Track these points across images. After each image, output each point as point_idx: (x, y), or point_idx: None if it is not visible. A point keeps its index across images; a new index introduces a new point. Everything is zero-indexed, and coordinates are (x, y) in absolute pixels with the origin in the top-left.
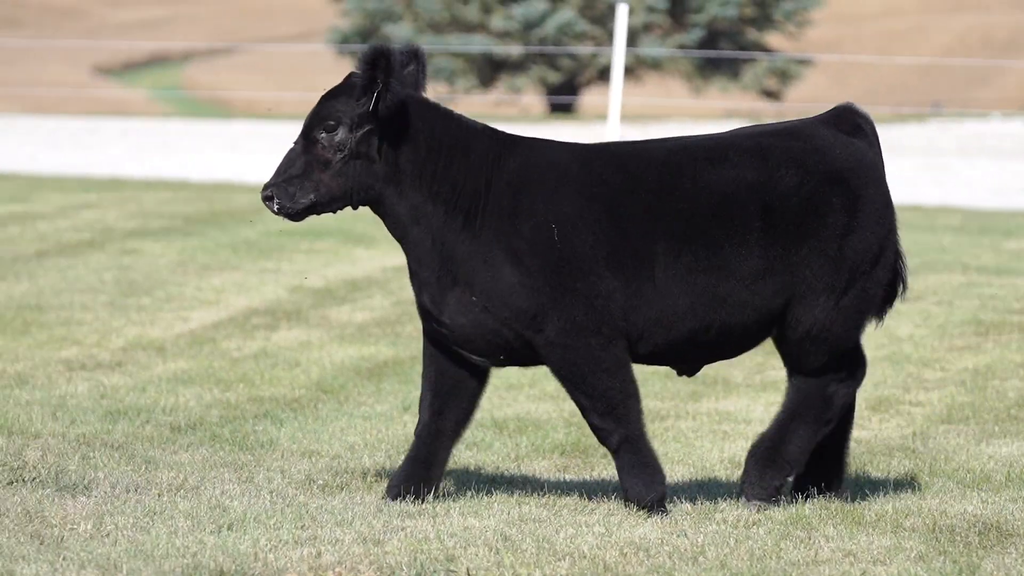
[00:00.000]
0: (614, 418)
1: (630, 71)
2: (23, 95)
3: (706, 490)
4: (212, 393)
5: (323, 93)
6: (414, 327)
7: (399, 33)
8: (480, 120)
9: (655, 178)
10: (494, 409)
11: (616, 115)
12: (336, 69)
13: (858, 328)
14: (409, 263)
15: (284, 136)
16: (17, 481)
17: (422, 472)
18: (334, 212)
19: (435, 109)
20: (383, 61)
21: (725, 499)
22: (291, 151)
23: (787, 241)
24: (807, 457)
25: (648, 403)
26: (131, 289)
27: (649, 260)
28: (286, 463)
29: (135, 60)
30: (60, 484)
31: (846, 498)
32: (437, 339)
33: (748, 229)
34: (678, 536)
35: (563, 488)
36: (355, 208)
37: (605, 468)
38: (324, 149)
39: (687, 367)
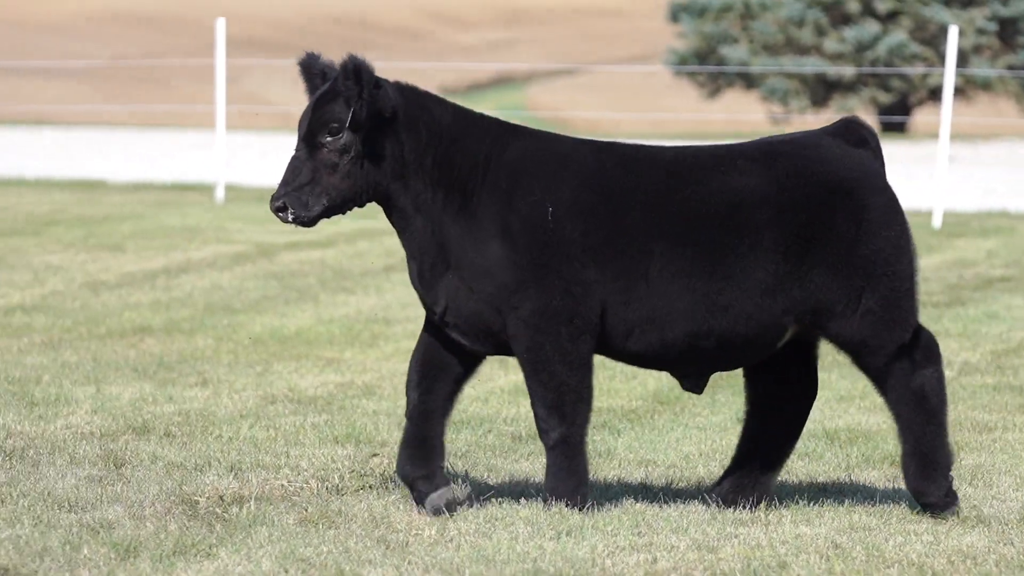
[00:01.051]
0: (560, 415)
1: (960, 91)
2: None
3: None
4: None
5: (315, 98)
6: None
7: (735, 55)
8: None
9: (659, 179)
10: (825, 420)
11: (946, 134)
12: (673, 90)
13: (900, 324)
14: (408, 253)
15: None
16: (364, 488)
17: (423, 452)
18: (344, 213)
19: (429, 96)
20: (364, 73)
21: None
22: (295, 158)
23: (797, 254)
24: (950, 447)
25: (976, 415)
26: None
27: (644, 258)
28: (623, 471)
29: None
30: (405, 491)
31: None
32: (436, 326)
33: (757, 240)
34: (1005, 545)
35: (893, 497)
36: (362, 206)
37: None
38: (330, 153)
39: (692, 381)
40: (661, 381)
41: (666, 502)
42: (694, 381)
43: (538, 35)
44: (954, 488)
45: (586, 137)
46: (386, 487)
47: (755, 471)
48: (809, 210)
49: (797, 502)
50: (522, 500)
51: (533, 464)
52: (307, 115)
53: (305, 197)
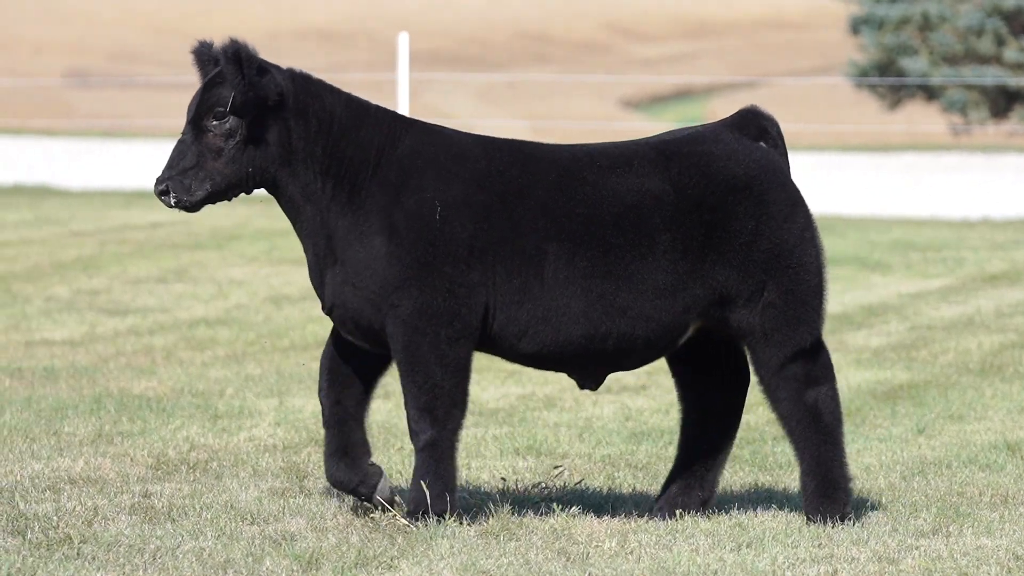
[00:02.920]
0: (432, 418)
1: None
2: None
3: None
4: None
5: (204, 81)
6: (928, 351)
7: (915, 67)
8: (993, 150)
9: (555, 179)
10: (1007, 432)
11: None
12: (853, 102)
13: (805, 322)
14: (303, 245)
15: (807, 165)
16: (546, 500)
17: (349, 460)
18: (229, 199)
19: (321, 85)
20: (244, 58)
21: None
22: (181, 142)
23: (694, 252)
24: (848, 468)
25: None
26: None
27: (538, 258)
28: None
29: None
30: (586, 503)
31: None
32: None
33: (654, 241)
34: None
35: None
36: (249, 192)
37: None
38: (215, 137)
39: (588, 379)
40: (841, 392)
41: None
42: (591, 381)
43: (719, 48)
44: (848, 512)
45: (484, 135)
46: (567, 499)
47: (698, 470)
48: (707, 208)
49: (977, 513)
50: (702, 511)
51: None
52: (195, 99)
53: (188, 181)
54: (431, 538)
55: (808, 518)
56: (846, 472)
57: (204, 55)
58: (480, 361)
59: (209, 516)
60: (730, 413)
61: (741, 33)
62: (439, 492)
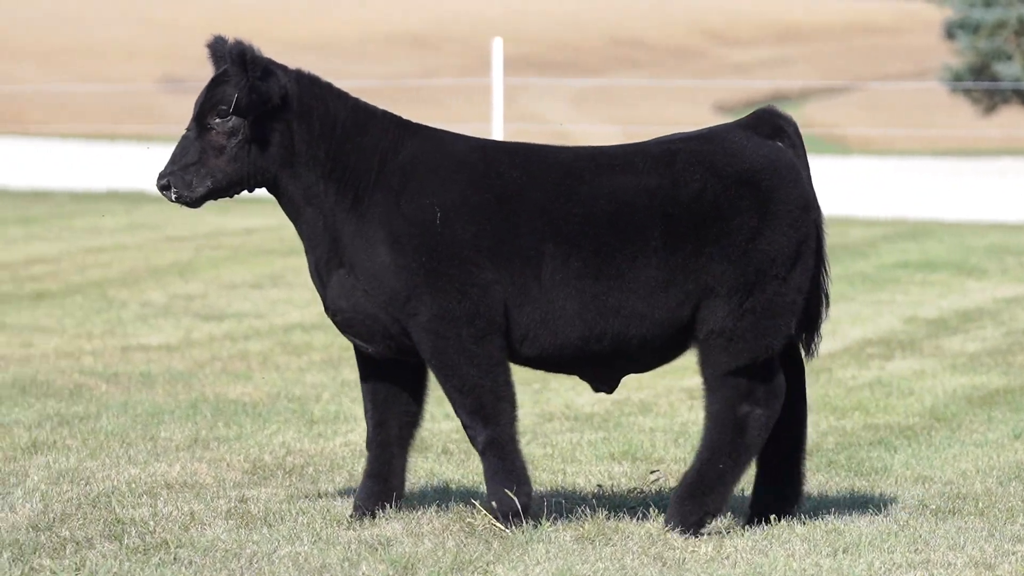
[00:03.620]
0: (482, 417)
1: None
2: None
3: None
4: (828, 420)
5: (211, 79)
6: None
7: (1009, 71)
8: None
9: (554, 180)
10: None
11: None
12: (948, 107)
13: (770, 336)
14: (304, 246)
15: (900, 169)
16: (641, 505)
17: (381, 486)
18: (231, 196)
19: (328, 88)
20: (248, 58)
21: None
22: (185, 137)
23: (689, 248)
24: (731, 489)
25: None
26: None
27: (536, 259)
28: (899, 488)
29: (754, 99)
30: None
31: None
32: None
33: (646, 238)
34: None
35: None
36: (251, 191)
37: None
38: (218, 135)
39: (599, 382)
40: (937, 397)
41: (943, 519)
42: (603, 384)
43: (812, 52)
44: (707, 521)
45: (490, 139)
46: (663, 504)
47: (780, 471)
48: (707, 202)
49: None
50: (798, 517)
51: (809, 481)
52: (201, 96)
53: (189, 177)
54: (527, 543)
55: (667, 518)
56: (726, 491)
57: (219, 50)
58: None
59: (305, 521)
60: (796, 409)
61: (834, 37)
62: (515, 488)
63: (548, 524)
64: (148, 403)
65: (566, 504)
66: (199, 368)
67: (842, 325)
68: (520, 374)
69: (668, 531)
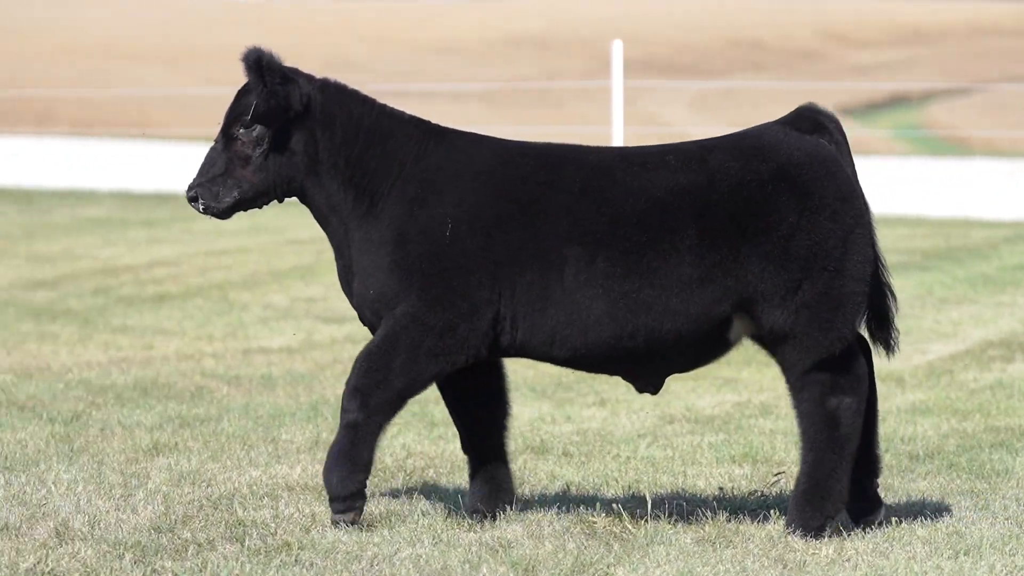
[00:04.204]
0: (362, 400)
1: None
2: None
3: None
4: (949, 423)
5: (238, 90)
6: None
7: None
8: None
9: (580, 180)
10: None
11: None
12: None
13: (836, 328)
14: (334, 252)
15: (1016, 171)
16: (762, 507)
17: (491, 486)
18: (260, 207)
19: (353, 96)
20: (265, 66)
21: None
22: (212, 149)
23: (726, 245)
24: (846, 485)
25: None
26: None
27: (559, 262)
28: (1021, 491)
29: (876, 100)
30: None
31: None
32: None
33: (678, 235)
34: None
35: None
36: (280, 201)
37: None
38: (243, 145)
39: (643, 383)
40: None
41: None
42: (646, 382)
43: (934, 54)
44: (829, 524)
45: (519, 140)
46: (784, 506)
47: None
48: (743, 198)
49: None
50: (919, 519)
51: (930, 483)
52: (229, 108)
53: (216, 188)
54: (648, 545)
55: (787, 522)
56: (842, 488)
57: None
58: (697, 370)
59: (426, 523)
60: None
61: (957, 39)
62: (347, 473)
63: (669, 526)
64: (269, 405)
65: (687, 506)
66: (320, 370)
67: (963, 327)
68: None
69: (790, 534)
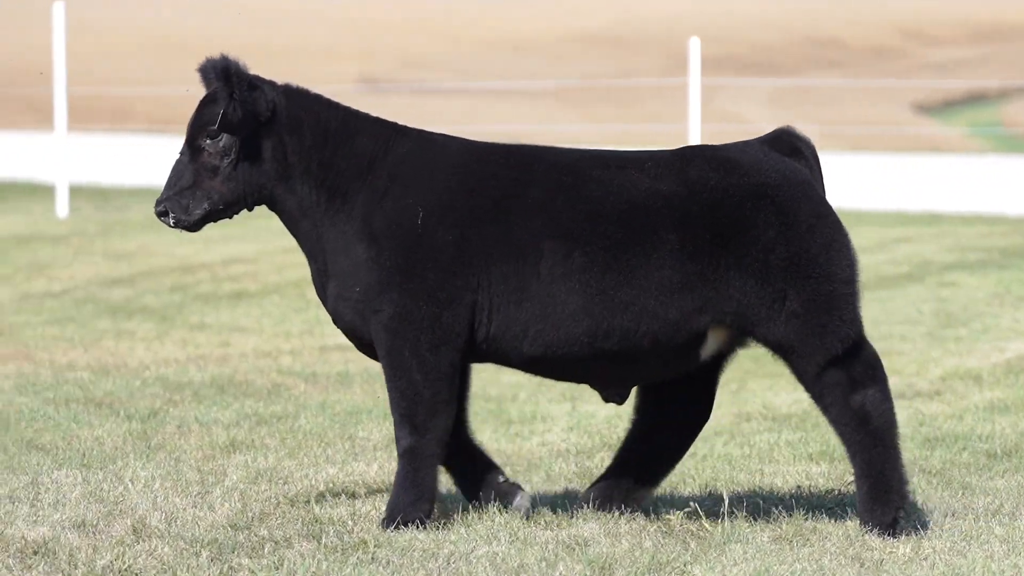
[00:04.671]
0: (411, 425)
1: None
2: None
3: None
4: None
5: (200, 100)
6: None
7: None
8: None
9: (554, 177)
10: None
11: None
12: None
13: (835, 330)
14: (306, 258)
15: None
16: (839, 506)
17: (475, 472)
18: (230, 217)
19: (318, 99)
20: (233, 74)
21: None
22: (178, 162)
23: (708, 256)
24: (903, 472)
25: None
26: (949, 320)
27: (535, 256)
28: None
29: (952, 98)
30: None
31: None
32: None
33: (660, 239)
34: None
35: None
36: (250, 209)
37: None
38: (210, 156)
39: (611, 389)
40: None
41: None
42: (614, 391)
43: (1013, 51)
44: (900, 516)
45: (486, 141)
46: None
47: (628, 483)
48: (723, 213)
49: None
50: (997, 518)
51: (1008, 482)
52: (192, 118)
53: (186, 201)
54: (724, 543)
55: (861, 522)
56: (900, 475)
57: (208, 72)
58: (772, 367)
59: (503, 521)
60: (682, 442)
61: None
62: (414, 499)
63: (745, 524)
64: (346, 403)
65: (763, 504)
66: None
67: None
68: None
69: (865, 533)
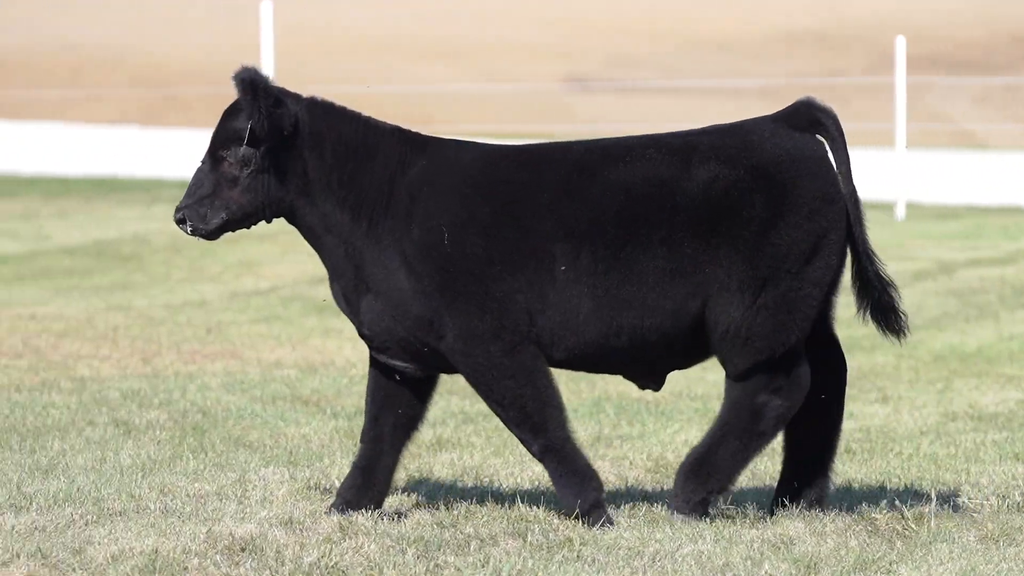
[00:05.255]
0: (530, 427)
1: None
2: None
3: None
4: None
5: (224, 110)
6: None
7: None
8: None
9: (562, 178)
10: None
11: None
12: None
13: (787, 330)
14: (328, 272)
15: None
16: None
17: (365, 479)
18: (248, 227)
19: (340, 113)
20: (259, 87)
21: None
22: (199, 170)
23: (697, 240)
24: (736, 473)
25: None
26: None
27: (549, 261)
28: None
29: None
30: None
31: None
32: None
33: (653, 229)
34: None
35: None
36: (269, 221)
37: None
38: (231, 166)
39: (643, 380)
40: None
41: None
42: (647, 380)
43: None
44: (708, 508)
45: (497, 143)
46: None
47: (806, 474)
48: (720, 192)
49: None
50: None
51: None
52: (216, 128)
53: (204, 210)
54: (930, 542)
55: (670, 493)
56: (729, 473)
57: (238, 83)
58: (981, 366)
59: (708, 519)
60: (831, 409)
61: None
62: (579, 488)
63: (951, 524)
64: None
65: (969, 504)
66: None
67: None
68: (924, 372)
69: (668, 511)
